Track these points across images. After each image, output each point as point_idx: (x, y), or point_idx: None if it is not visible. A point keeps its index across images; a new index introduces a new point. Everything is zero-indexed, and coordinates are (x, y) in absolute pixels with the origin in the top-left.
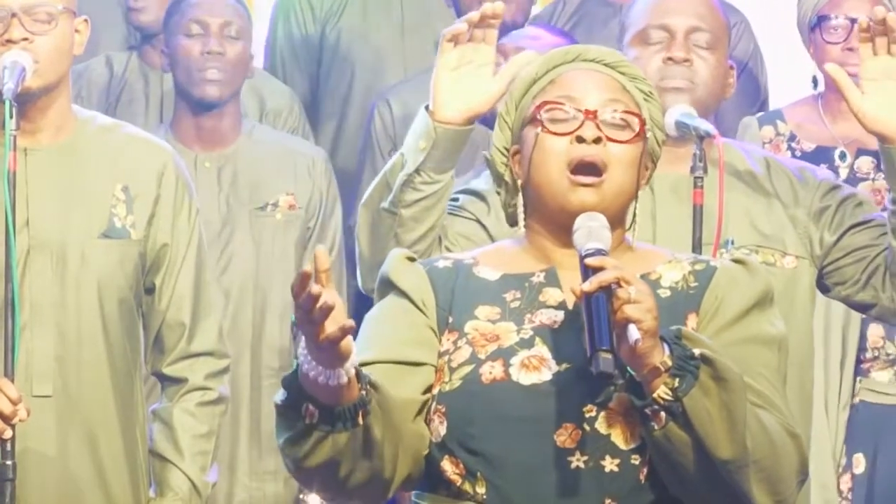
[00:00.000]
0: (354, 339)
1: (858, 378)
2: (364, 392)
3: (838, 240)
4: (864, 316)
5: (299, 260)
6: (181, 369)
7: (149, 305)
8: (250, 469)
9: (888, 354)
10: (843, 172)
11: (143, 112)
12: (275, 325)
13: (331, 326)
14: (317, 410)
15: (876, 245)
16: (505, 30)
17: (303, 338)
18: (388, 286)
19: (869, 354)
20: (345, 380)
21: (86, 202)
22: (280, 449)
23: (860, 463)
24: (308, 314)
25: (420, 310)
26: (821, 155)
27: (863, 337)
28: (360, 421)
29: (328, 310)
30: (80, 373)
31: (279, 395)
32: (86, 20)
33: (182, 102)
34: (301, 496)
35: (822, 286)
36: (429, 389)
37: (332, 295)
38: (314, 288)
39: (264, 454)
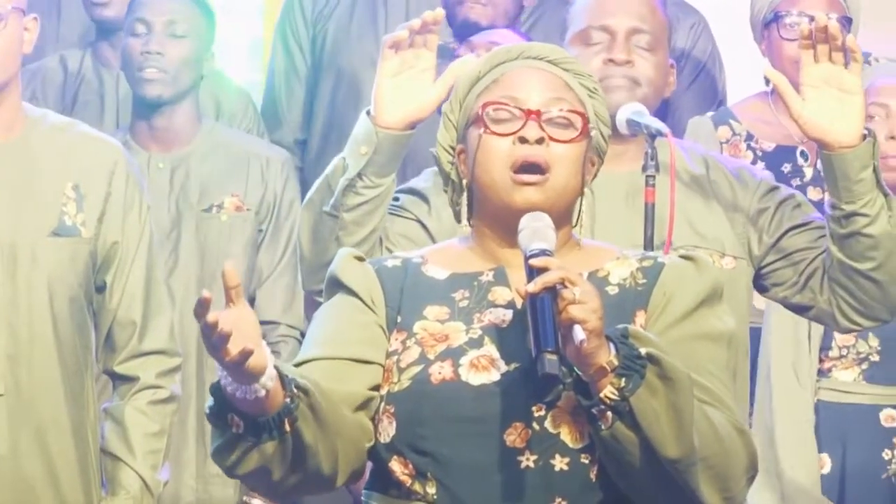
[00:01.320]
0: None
1: (818, 378)
2: (289, 399)
3: (776, 242)
4: None
5: (251, 261)
6: (132, 368)
7: (99, 304)
8: (196, 471)
9: (859, 353)
10: (808, 172)
11: (99, 112)
12: None
13: (233, 350)
14: (241, 421)
15: (814, 248)
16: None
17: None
18: (337, 285)
19: (834, 353)
20: (262, 393)
21: (36, 200)
22: (211, 456)
23: (825, 463)
24: (209, 339)
25: (369, 308)
26: (782, 154)
27: (827, 335)
28: (287, 429)
29: (226, 336)
30: (31, 371)
31: (208, 402)
32: (35, 18)
33: (135, 103)
34: (245, 498)
35: (760, 287)
36: (375, 387)
37: (235, 317)
38: (210, 317)
39: (210, 457)
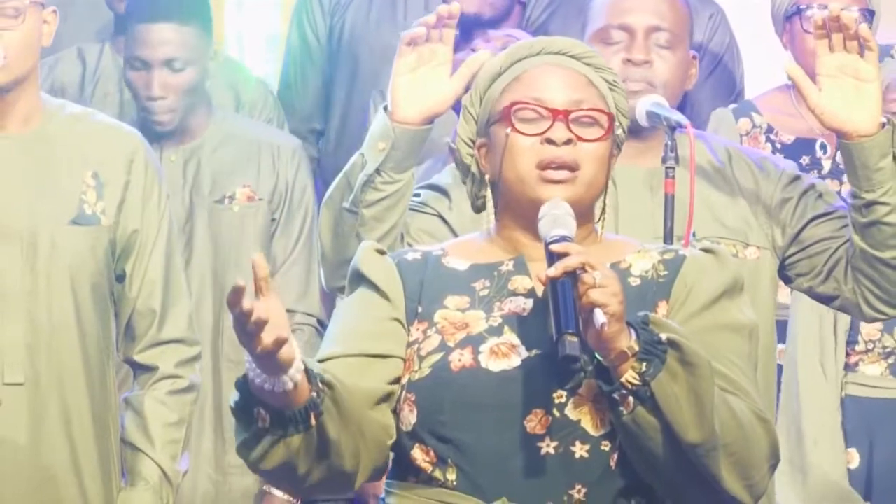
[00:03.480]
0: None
1: (845, 373)
2: (315, 393)
3: (800, 231)
4: None
5: (265, 250)
6: (152, 357)
7: (119, 292)
8: (215, 462)
9: (885, 347)
10: (827, 164)
11: (118, 105)
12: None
13: (267, 339)
14: (268, 415)
15: (837, 237)
16: (471, 23)
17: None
18: (359, 279)
19: (860, 347)
20: (290, 386)
21: (55, 189)
22: (236, 451)
23: (854, 458)
24: (243, 327)
25: (389, 301)
26: (802, 147)
27: (854, 329)
28: (313, 423)
29: (262, 324)
30: (51, 361)
31: (233, 397)
32: (54, 11)
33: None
34: (265, 488)
35: (785, 277)
36: (395, 381)
37: (266, 307)
38: (245, 304)
39: (228, 447)
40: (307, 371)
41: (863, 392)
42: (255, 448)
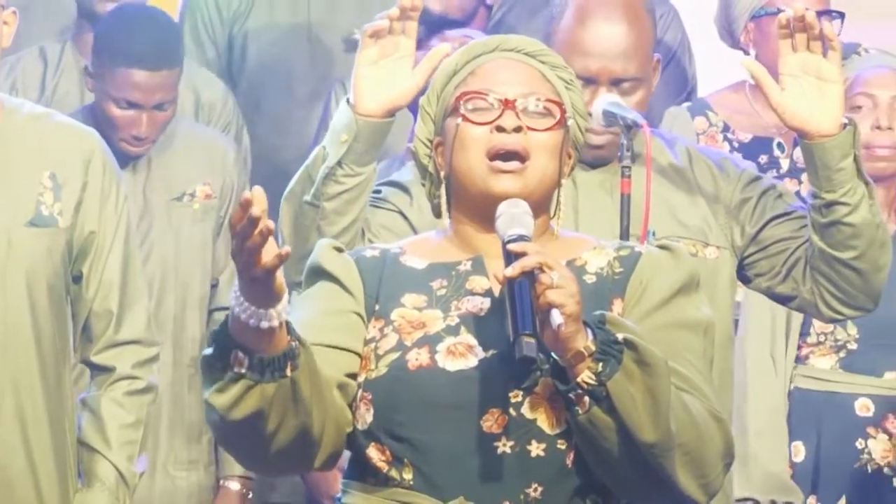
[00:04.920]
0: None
1: (795, 364)
2: (294, 345)
3: (759, 231)
4: None
5: (213, 250)
6: (109, 358)
7: (76, 293)
8: (175, 458)
9: (837, 340)
10: (784, 164)
11: (79, 104)
12: (196, 314)
13: (268, 255)
14: (246, 358)
15: (796, 237)
16: (438, 23)
17: (235, 280)
18: (317, 273)
19: (812, 339)
20: (276, 323)
21: (12, 190)
22: (205, 402)
23: (799, 451)
24: (245, 240)
25: (349, 295)
26: (758, 146)
27: (806, 320)
28: (289, 373)
29: (268, 233)
30: (6, 362)
31: (206, 350)
32: (14, 12)
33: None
34: (221, 482)
35: (743, 277)
36: (352, 375)
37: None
38: (255, 210)
39: (186, 443)
40: (287, 324)
41: (811, 385)
42: (227, 393)
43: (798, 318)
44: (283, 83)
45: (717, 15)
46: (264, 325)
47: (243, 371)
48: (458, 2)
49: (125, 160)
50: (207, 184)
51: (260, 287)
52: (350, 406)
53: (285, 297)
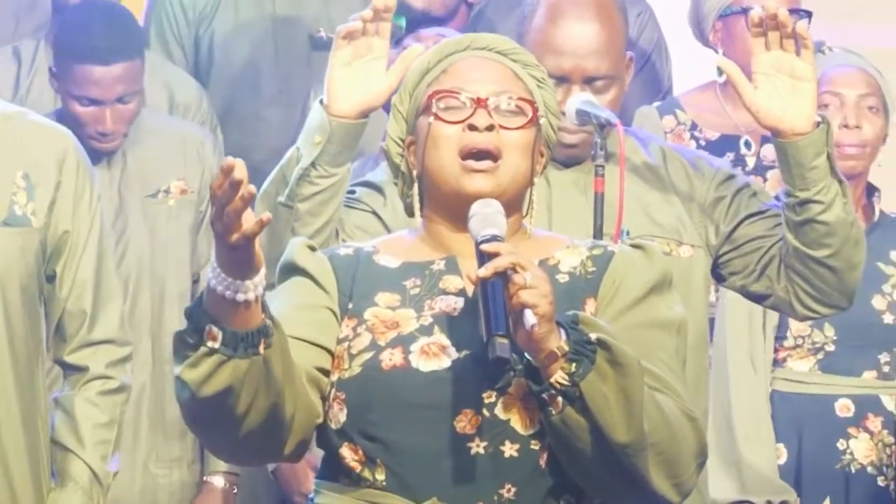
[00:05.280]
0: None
1: (773, 368)
2: (268, 322)
3: (733, 230)
4: None
5: (194, 245)
6: (82, 357)
7: (50, 293)
8: (155, 456)
9: (815, 343)
10: (751, 161)
11: (53, 103)
12: (173, 310)
13: (247, 222)
14: (220, 333)
15: (771, 236)
16: (420, 20)
17: (213, 252)
18: (291, 270)
19: (789, 343)
20: (251, 296)
21: None
22: (176, 378)
23: (781, 454)
24: (226, 206)
25: (323, 291)
26: (725, 144)
27: (783, 325)
28: (262, 350)
29: (249, 198)
30: None
31: (179, 329)
32: None
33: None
34: (205, 478)
35: (718, 276)
36: (322, 370)
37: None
38: (237, 174)
39: (168, 441)
40: (262, 302)
41: (790, 388)
42: (199, 368)
43: (773, 320)
44: (250, 83)
45: (689, 14)
46: (240, 297)
47: (216, 346)
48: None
49: (99, 157)
50: (182, 179)
51: (238, 256)
52: (323, 402)
53: (262, 270)
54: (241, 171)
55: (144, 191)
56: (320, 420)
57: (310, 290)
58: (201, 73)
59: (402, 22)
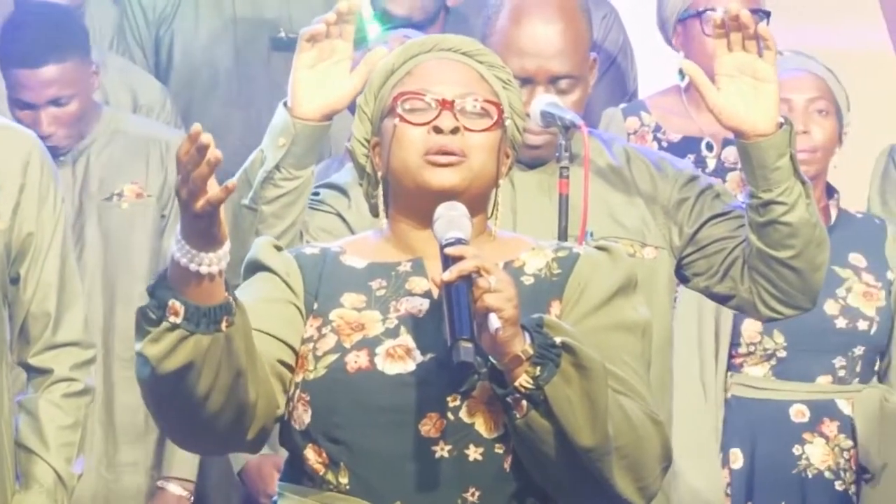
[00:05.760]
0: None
1: (730, 373)
2: (231, 300)
3: (697, 231)
4: None
5: (155, 248)
6: (46, 360)
7: (14, 295)
8: (106, 461)
9: (765, 349)
10: (711, 163)
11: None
12: (125, 315)
13: (213, 188)
14: (182, 307)
15: (734, 237)
16: (401, 26)
17: (178, 226)
18: (256, 268)
19: (742, 350)
20: (215, 269)
21: None
22: (138, 354)
23: (737, 458)
24: (192, 171)
25: (289, 289)
26: (687, 146)
27: (736, 331)
28: (224, 327)
29: (215, 163)
30: None
31: (142, 305)
32: None
33: None
34: (159, 484)
35: (682, 277)
36: (285, 364)
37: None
38: (204, 138)
39: (120, 446)
40: (226, 281)
41: (746, 393)
42: (161, 342)
43: (726, 330)
44: (210, 83)
45: (656, 17)
46: (203, 269)
47: (178, 321)
48: (421, 5)
49: (64, 159)
50: (136, 182)
51: (203, 225)
52: (288, 401)
53: (227, 244)
54: (207, 136)
55: (101, 194)
56: (280, 412)
57: (276, 285)
58: (161, 74)
59: (369, 28)
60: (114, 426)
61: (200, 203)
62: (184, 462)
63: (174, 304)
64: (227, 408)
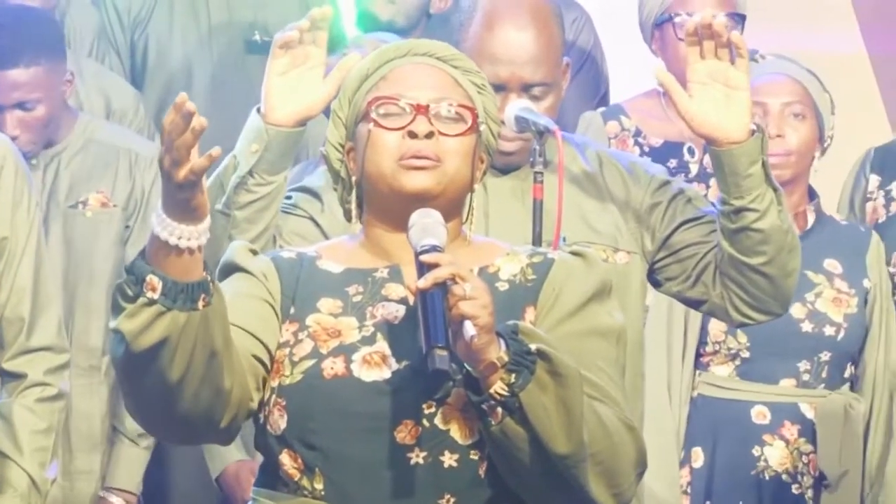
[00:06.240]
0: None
1: (698, 371)
2: (208, 279)
3: (669, 236)
4: None
5: (119, 257)
6: (20, 365)
7: None
8: (62, 468)
9: (729, 349)
10: (694, 168)
11: None
12: (84, 323)
13: (196, 155)
14: (160, 283)
15: (706, 242)
16: (384, 31)
17: (159, 201)
18: (234, 269)
19: (709, 348)
20: (194, 243)
21: None
22: (113, 331)
23: (699, 457)
24: (175, 140)
25: (267, 290)
26: (669, 150)
27: (703, 330)
28: (201, 306)
29: (200, 132)
30: None
31: (121, 279)
32: None
33: None
34: (101, 494)
35: (654, 281)
36: (258, 359)
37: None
38: (190, 105)
39: (76, 453)
40: (204, 262)
41: (711, 392)
42: (137, 318)
43: (695, 327)
44: (184, 87)
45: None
46: (183, 242)
47: (155, 297)
48: (405, 10)
49: (35, 163)
50: (101, 192)
51: (185, 196)
52: (263, 406)
53: (207, 220)
54: (192, 105)
55: (67, 201)
56: (254, 406)
57: (253, 283)
58: (136, 78)
59: (346, 40)
60: (69, 434)
61: (183, 172)
62: (127, 474)
63: (152, 279)
64: (202, 391)
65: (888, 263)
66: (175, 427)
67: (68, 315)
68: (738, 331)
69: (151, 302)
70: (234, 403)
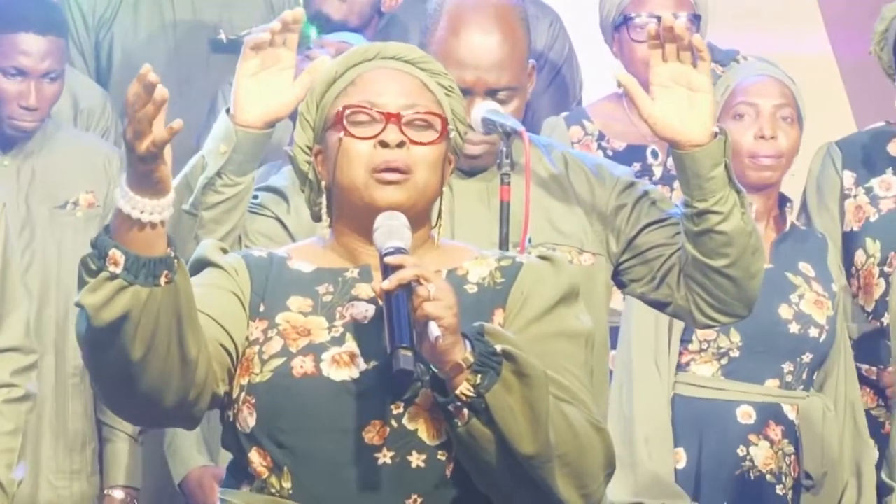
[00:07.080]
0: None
1: (676, 373)
2: (172, 255)
3: (634, 238)
4: None
5: None
6: None
7: None
8: (56, 468)
9: (719, 347)
10: (658, 171)
11: None
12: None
13: (158, 127)
14: (123, 257)
15: (671, 244)
16: (337, 30)
17: (123, 176)
18: (205, 264)
19: (694, 346)
20: (157, 218)
21: None
22: (77, 304)
23: (681, 458)
24: (138, 111)
25: (237, 284)
26: (633, 154)
27: (688, 328)
28: (163, 282)
29: (161, 103)
30: None
31: (86, 253)
32: None
33: None
34: (106, 491)
35: (619, 283)
36: (224, 349)
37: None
38: (153, 76)
39: (70, 453)
40: (169, 238)
41: (692, 392)
42: (99, 292)
43: (679, 325)
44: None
45: None
46: (145, 216)
47: (118, 271)
48: (358, 9)
49: (8, 155)
50: (90, 192)
51: (148, 169)
52: (233, 407)
53: (170, 195)
54: (155, 76)
55: (53, 202)
56: (220, 393)
57: (223, 277)
58: (101, 77)
59: (312, 32)
60: (65, 433)
61: (145, 144)
62: (126, 470)
63: (114, 253)
64: (165, 369)
65: (886, 264)
66: (139, 405)
67: (63, 315)
68: (732, 329)
69: (114, 276)
70: (199, 382)
